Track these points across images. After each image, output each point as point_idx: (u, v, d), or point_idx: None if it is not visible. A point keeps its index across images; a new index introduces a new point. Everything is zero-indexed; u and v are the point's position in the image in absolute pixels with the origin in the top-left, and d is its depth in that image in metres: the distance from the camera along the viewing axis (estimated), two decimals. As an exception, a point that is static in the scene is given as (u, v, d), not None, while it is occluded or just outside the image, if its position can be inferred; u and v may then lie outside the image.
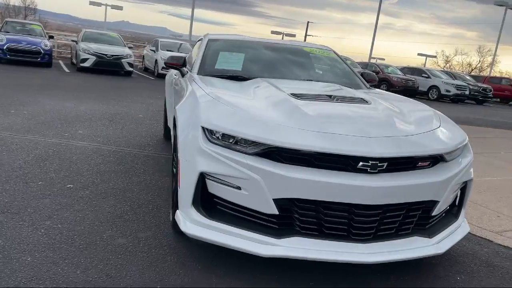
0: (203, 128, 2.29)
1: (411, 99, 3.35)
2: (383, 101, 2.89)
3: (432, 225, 2.42)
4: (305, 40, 47.85)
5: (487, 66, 47.33)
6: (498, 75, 41.41)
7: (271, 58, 3.85)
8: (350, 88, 3.42)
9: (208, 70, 3.55)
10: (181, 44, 17.42)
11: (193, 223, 2.30)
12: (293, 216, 2.18)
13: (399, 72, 20.84)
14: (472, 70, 49.59)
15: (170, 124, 4.63)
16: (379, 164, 2.14)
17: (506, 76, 34.86)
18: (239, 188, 2.19)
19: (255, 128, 2.21)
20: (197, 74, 3.48)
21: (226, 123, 2.26)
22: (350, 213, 2.15)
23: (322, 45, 4.32)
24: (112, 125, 6.06)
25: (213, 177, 2.24)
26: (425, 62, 44.74)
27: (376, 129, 2.32)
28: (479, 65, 51.86)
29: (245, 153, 2.17)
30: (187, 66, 3.79)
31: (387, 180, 2.14)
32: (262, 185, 2.11)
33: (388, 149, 2.18)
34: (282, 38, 36.35)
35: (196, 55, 4.13)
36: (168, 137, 5.30)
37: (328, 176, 2.10)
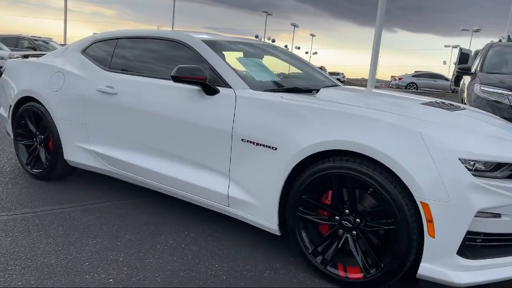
0: (461, 160, 1.98)
1: None
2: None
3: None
4: None
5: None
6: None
7: (284, 64, 3.33)
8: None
9: (257, 84, 2.75)
10: None
11: (464, 270, 2.00)
12: None
13: None
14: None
15: (88, 157, 3.32)
16: None
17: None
18: (498, 215, 2.06)
19: (502, 149, 2.11)
20: (254, 90, 2.66)
21: (479, 149, 2.04)
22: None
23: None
24: None
25: (483, 212, 2.01)
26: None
27: None
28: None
29: (503, 177, 2.06)
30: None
31: None
32: None
33: None
34: None
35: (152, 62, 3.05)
36: (51, 177, 3.69)
37: None
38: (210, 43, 2.99)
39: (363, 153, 2.10)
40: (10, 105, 3.87)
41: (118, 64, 3.32)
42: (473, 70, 7.02)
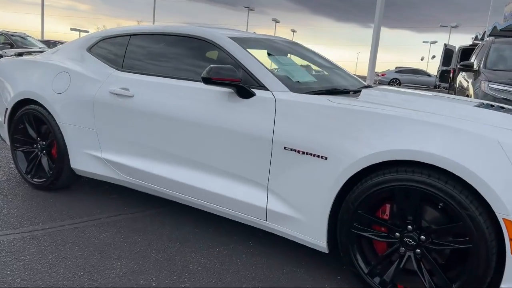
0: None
1: None
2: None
3: None
4: None
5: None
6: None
7: (307, 62, 3.08)
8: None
9: (295, 86, 2.50)
10: None
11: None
12: None
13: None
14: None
15: (102, 169, 3.06)
16: None
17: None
18: None
19: None
20: (294, 92, 2.42)
21: None
22: None
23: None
24: None
25: None
26: (79, 36, 43.61)
27: None
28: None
29: None
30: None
31: None
32: None
33: None
34: None
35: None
36: (55, 188, 3.37)
37: None
38: (239, 41, 2.73)
39: (433, 164, 1.88)
40: (6, 109, 3.52)
41: (133, 63, 3.02)
42: (475, 67, 6.93)
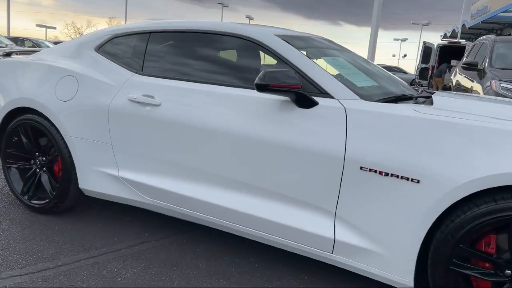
0: None
1: None
2: None
3: None
4: None
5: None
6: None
7: (358, 66, 2.69)
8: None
9: (362, 93, 2.12)
10: None
11: None
12: None
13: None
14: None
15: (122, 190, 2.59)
16: None
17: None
18: None
19: None
20: (366, 100, 2.04)
21: None
22: None
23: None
24: None
25: None
26: (46, 33, 42.01)
27: None
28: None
29: None
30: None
31: None
32: None
33: None
34: None
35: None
36: (59, 211, 2.89)
37: None
38: (289, 40, 2.33)
39: None
40: (-3, 118, 2.99)
41: (156, 66, 2.57)
42: (480, 66, 6.76)
